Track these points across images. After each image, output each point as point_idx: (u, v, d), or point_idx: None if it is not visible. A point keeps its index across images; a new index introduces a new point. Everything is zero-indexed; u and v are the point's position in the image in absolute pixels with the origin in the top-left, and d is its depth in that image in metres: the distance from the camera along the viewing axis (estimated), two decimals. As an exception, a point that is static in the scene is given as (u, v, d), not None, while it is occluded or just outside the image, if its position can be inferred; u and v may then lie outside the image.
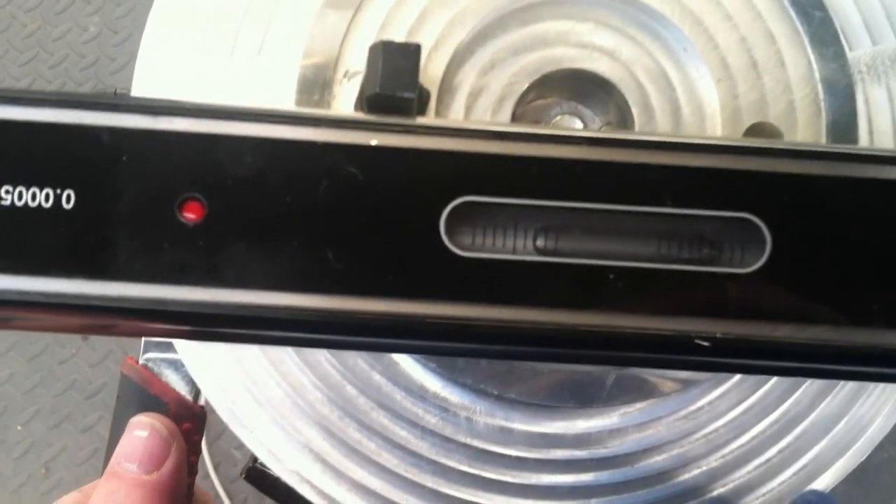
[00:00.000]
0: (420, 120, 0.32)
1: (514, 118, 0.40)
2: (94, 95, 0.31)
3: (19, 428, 1.29)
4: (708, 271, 0.30)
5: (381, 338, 0.31)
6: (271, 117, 0.31)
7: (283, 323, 0.30)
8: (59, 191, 0.30)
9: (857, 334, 0.30)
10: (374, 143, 0.31)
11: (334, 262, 0.30)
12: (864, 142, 0.41)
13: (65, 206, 0.30)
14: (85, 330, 0.32)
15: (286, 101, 0.38)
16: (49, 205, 0.30)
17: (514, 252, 0.31)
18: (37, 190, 0.30)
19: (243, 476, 0.53)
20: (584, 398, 0.38)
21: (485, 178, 0.31)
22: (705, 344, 0.30)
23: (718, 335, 0.30)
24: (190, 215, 0.30)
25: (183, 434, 0.44)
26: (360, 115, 0.32)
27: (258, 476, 0.44)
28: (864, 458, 0.41)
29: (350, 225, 0.30)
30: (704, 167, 0.31)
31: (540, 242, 0.31)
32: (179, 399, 0.43)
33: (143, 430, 0.41)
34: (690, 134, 0.38)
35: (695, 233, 0.31)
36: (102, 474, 0.40)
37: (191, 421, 0.44)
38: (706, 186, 0.31)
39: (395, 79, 0.33)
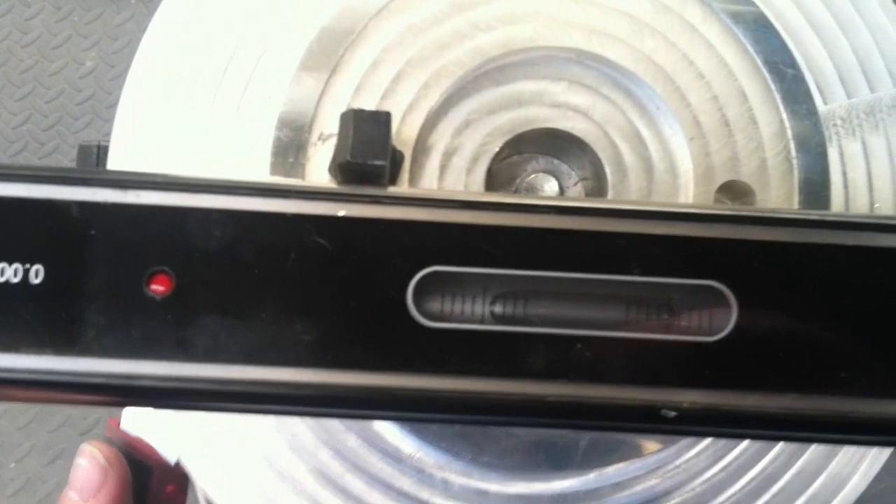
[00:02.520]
0: (389, 189, 0.32)
1: (490, 175, 0.40)
2: (63, 170, 0.31)
3: (13, 465, 1.29)
4: (674, 339, 0.30)
5: (350, 409, 0.32)
6: (239, 189, 0.31)
7: (252, 396, 0.31)
8: (27, 266, 0.30)
9: (824, 402, 0.30)
10: (341, 213, 0.31)
11: (303, 334, 0.30)
12: (838, 196, 0.41)
13: (33, 280, 0.30)
14: (56, 402, 0.32)
15: (262, 163, 0.38)
16: (17, 280, 0.30)
17: (482, 322, 0.31)
18: (5, 265, 0.30)
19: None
20: (559, 460, 0.38)
21: (452, 248, 0.31)
22: (672, 414, 0.30)
23: (685, 405, 0.30)
24: (158, 288, 0.30)
25: (167, 496, 0.44)
26: (328, 186, 0.33)
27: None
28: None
29: (319, 297, 0.30)
30: (670, 235, 0.31)
31: (507, 312, 0.31)
32: (162, 462, 0.43)
33: (83, 459, 0.43)
34: (663, 194, 0.38)
35: (661, 301, 0.31)
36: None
37: (175, 482, 0.44)
38: (672, 254, 0.31)
39: (366, 147, 0.33)
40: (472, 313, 0.31)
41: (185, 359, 0.30)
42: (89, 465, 0.42)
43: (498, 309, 0.31)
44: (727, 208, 0.36)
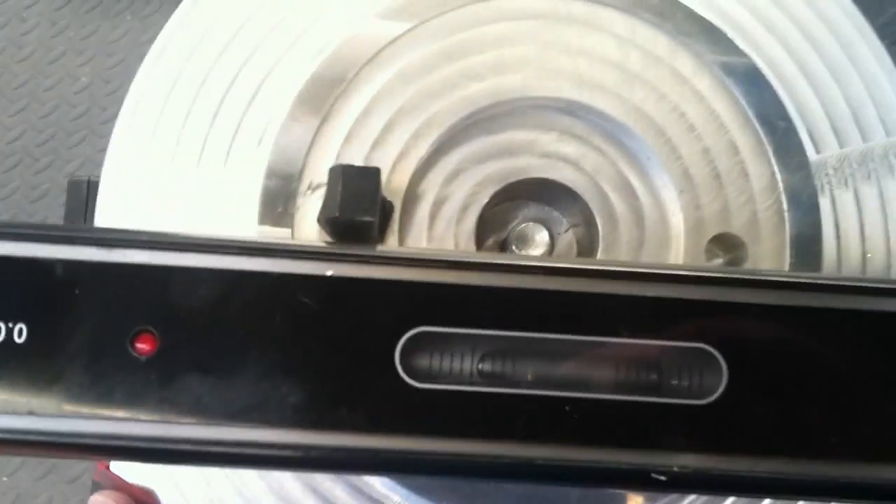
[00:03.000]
0: (377, 248, 0.32)
1: (480, 222, 0.40)
2: (48, 227, 0.31)
3: (5, 479, 1.28)
4: (664, 402, 0.30)
5: (336, 469, 0.31)
6: (225, 248, 0.31)
7: (236, 457, 0.30)
8: (10, 324, 0.30)
9: (815, 467, 0.30)
10: (329, 273, 0.31)
11: (288, 395, 0.30)
12: (830, 246, 0.40)
13: (16, 340, 0.30)
14: (39, 456, 0.32)
15: (251, 212, 0.38)
16: (1, 338, 0.30)
17: (470, 383, 0.31)
18: (-11, 324, 0.30)
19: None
20: (549, 514, 0.38)
21: (440, 309, 0.31)
22: (662, 478, 0.30)
23: (675, 469, 0.30)
24: (143, 348, 0.30)
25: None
26: (315, 244, 0.32)
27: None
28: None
29: (305, 357, 0.30)
30: (659, 297, 0.31)
31: (496, 372, 0.31)
32: None
33: None
34: (653, 245, 0.38)
35: (651, 363, 0.31)
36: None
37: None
38: (661, 316, 0.31)
39: (355, 203, 0.33)
40: (461, 374, 0.31)
41: (168, 419, 0.30)
42: None
43: (486, 369, 0.31)
44: (717, 270, 0.35)
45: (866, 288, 0.31)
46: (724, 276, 0.31)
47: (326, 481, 0.40)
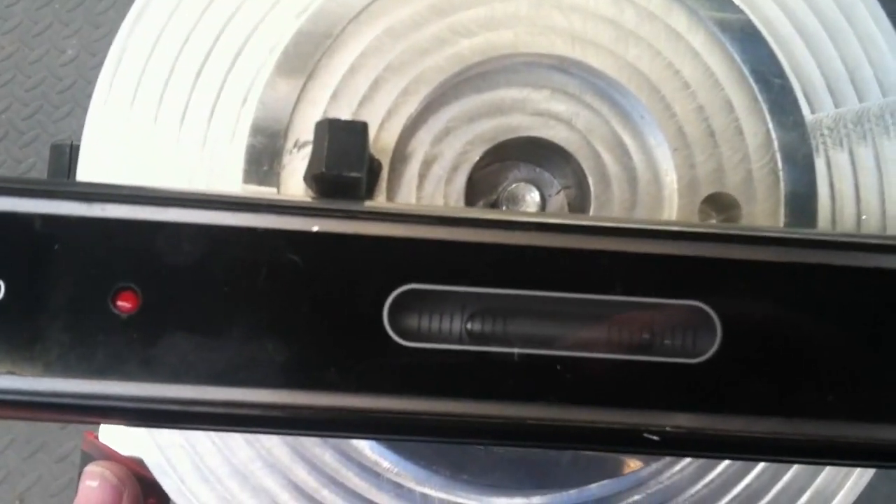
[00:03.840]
0: (365, 204, 0.31)
1: (470, 184, 0.39)
2: (26, 181, 0.30)
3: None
4: (658, 361, 0.30)
5: (324, 430, 0.31)
6: (209, 203, 0.30)
7: (222, 417, 0.30)
8: (-12, 281, 0.29)
9: (811, 426, 0.29)
10: (315, 229, 0.30)
11: (274, 354, 0.29)
12: (825, 208, 0.40)
13: (-6, 297, 0.29)
14: (20, 420, 0.31)
15: (235, 170, 0.37)
16: (-22, 296, 0.29)
17: (460, 342, 0.30)
18: (-34, 281, 0.29)
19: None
20: (540, 478, 0.37)
21: (429, 266, 0.30)
22: (654, 438, 0.29)
23: (668, 429, 0.29)
24: (124, 305, 0.29)
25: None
26: (302, 200, 0.32)
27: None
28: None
29: (291, 315, 0.30)
30: (653, 254, 0.30)
31: (486, 331, 0.30)
32: (141, 474, 0.42)
33: (93, 480, 0.42)
34: (646, 205, 0.37)
35: (644, 321, 0.30)
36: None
37: (155, 496, 0.43)
38: (655, 273, 0.30)
39: (342, 158, 0.32)
40: (450, 332, 0.30)
41: (151, 379, 0.29)
42: (101, 487, 0.42)
43: (476, 328, 0.30)
44: (711, 226, 0.35)
45: (862, 244, 0.30)
46: (719, 233, 0.31)
47: (315, 447, 0.39)
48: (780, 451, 0.30)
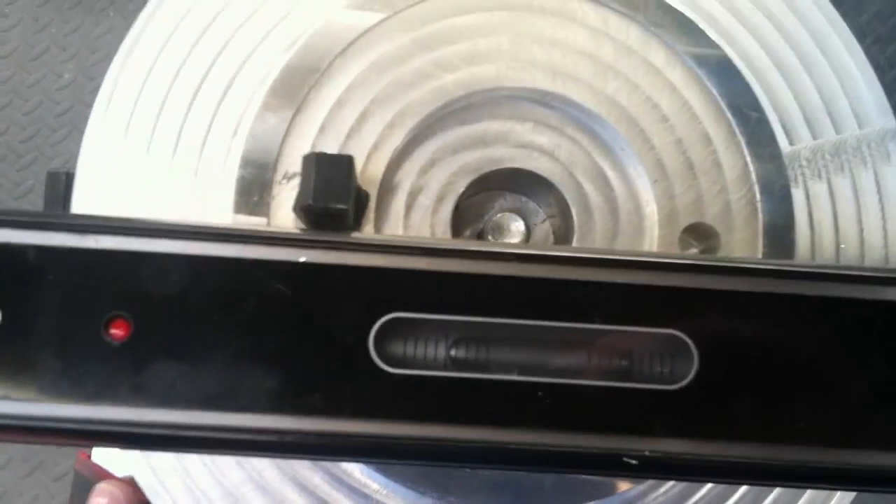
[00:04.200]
0: (351, 235, 0.32)
1: (457, 213, 0.40)
2: (21, 213, 0.31)
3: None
4: (636, 388, 0.30)
5: (310, 454, 0.32)
6: (198, 234, 0.31)
7: (210, 441, 0.30)
8: (-15, 310, 0.30)
9: (784, 451, 0.30)
10: (302, 259, 0.31)
11: (262, 380, 0.30)
12: (804, 237, 0.41)
13: (-9, 326, 0.30)
14: (16, 442, 0.32)
15: (226, 201, 0.38)
16: (-25, 325, 0.30)
17: (444, 369, 0.31)
18: (-37, 310, 0.30)
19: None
20: (524, 500, 0.38)
21: (413, 295, 0.31)
22: (633, 462, 0.30)
23: (646, 453, 0.30)
24: (116, 333, 0.30)
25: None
26: (288, 231, 0.33)
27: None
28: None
29: (279, 342, 0.30)
30: (631, 284, 0.31)
31: (470, 358, 0.31)
32: (133, 493, 0.43)
33: (103, 498, 0.42)
34: (628, 235, 0.38)
35: (623, 349, 0.31)
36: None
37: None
38: (633, 303, 0.31)
39: (328, 190, 0.33)
40: (435, 359, 0.31)
41: (142, 404, 0.30)
42: None
43: (460, 355, 0.31)
44: (687, 257, 0.36)
45: (835, 275, 0.31)
46: (695, 263, 0.31)
47: (305, 469, 0.40)
48: (756, 476, 0.31)
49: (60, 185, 0.48)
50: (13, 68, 1.54)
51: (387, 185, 0.39)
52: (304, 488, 0.40)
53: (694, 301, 0.31)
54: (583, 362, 0.31)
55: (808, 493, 0.41)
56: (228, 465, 0.40)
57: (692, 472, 0.31)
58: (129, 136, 0.41)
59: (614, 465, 0.30)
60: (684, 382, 0.30)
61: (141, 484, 0.41)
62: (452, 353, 0.31)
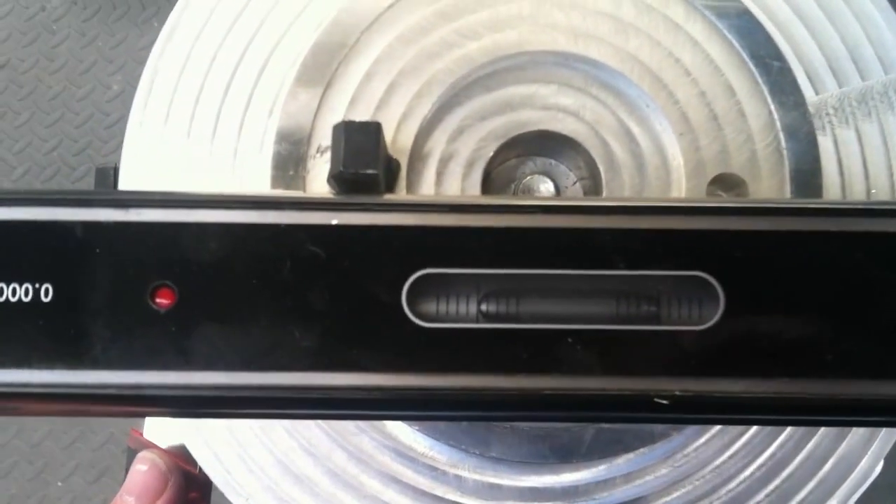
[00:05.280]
0: (382, 196, 0.33)
1: (488, 179, 0.41)
2: (66, 192, 0.33)
3: (60, 484, 1.31)
4: (664, 330, 0.31)
5: (352, 410, 0.33)
6: (234, 203, 0.32)
7: (255, 401, 0.32)
8: (37, 285, 0.31)
9: (814, 385, 0.31)
10: (334, 222, 0.32)
11: (301, 339, 0.31)
12: (835, 185, 0.41)
13: (43, 299, 0.31)
14: (69, 415, 0.33)
15: (264, 177, 0.40)
16: (28, 299, 0.31)
17: (476, 321, 0.32)
18: (17, 285, 0.31)
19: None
20: (564, 454, 0.39)
21: (444, 251, 0.32)
22: (664, 402, 0.31)
23: (677, 393, 0.31)
24: (162, 301, 0.32)
25: (191, 502, 0.46)
26: (320, 196, 0.34)
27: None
28: (852, 498, 0.41)
29: (315, 303, 0.32)
30: (654, 229, 0.32)
31: (500, 310, 0.32)
32: (184, 470, 0.45)
33: (143, 465, 0.45)
34: (656, 190, 0.39)
35: (649, 293, 0.32)
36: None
37: (197, 489, 0.46)
38: (657, 247, 0.32)
39: (358, 157, 0.34)
40: (466, 313, 0.32)
41: (189, 367, 0.31)
42: (150, 471, 0.44)
43: (491, 307, 0.32)
44: (708, 200, 0.36)
45: (854, 210, 0.32)
46: (716, 206, 0.32)
47: (352, 435, 0.41)
48: (785, 410, 0.31)
49: (109, 178, 0.50)
50: (63, 83, 1.58)
51: (417, 154, 0.40)
52: (352, 453, 0.41)
53: (717, 242, 0.31)
54: (610, 308, 0.32)
55: (849, 437, 0.41)
56: (278, 434, 0.42)
57: (723, 410, 0.32)
58: (170, 122, 0.43)
59: (646, 407, 0.31)
60: (711, 322, 0.31)
61: (196, 456, 0.42)
62: (483, 307, 0.32)
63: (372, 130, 0.34)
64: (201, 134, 0.43)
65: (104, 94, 1.58)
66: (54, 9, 1.60)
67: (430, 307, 0.32)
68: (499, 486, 0.41)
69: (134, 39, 1.58)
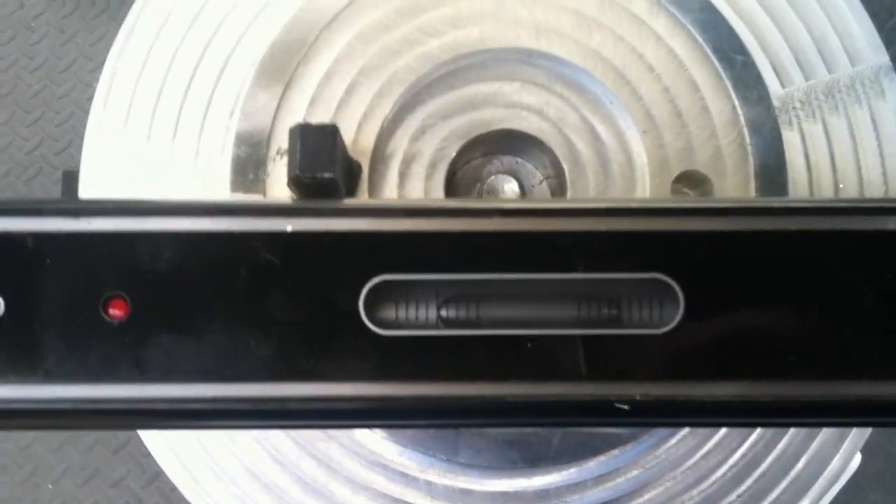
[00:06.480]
0: (340, 201, 0.33)
1: (452, 180, 0.40)
2: (15, 202, 0.32)
3: (50, 486, 1.30)
4: (624, 334, 0.31)
5: (312, 420, 0.32)
6: (186, 211, 0.32)
7: (213, 413, 0.31)
8: (-12, 299, 0.31)
9: (778, 387, 0.30)
10: (289, 228, 0.31)
11: (257, 349, 0.31)
12: (802, 179, 0.41)
13: (-4, 312, 0.31)
14: (23, 429, 0.33)
15: (225, 183, 0.39)
16: (-20, 313, 0.31)
17: (436, 327, 0.31)
18: (-33, 299, 0.31)
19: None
20: (533, 458, 0.38)
21: (401, 256, 0.31)
22: (625, 407, 0.30)
23: (638, 398, 0.30)
24: (115, 313, 0.31)
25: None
26: (273, 201, 0.33)
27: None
28: (825, 497, 0.41)
29: (271, 311, 0.31)
30: (612, 231, 0.31)
31: (460, 315, 0.31)
32: None
33: None
34: (620, 188, 0.39)
35: (610, 296, 0.31)
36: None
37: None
38: (616, 250, 0.31)
39: (314, 160, 0.33)
40: (426, 319, 0.31)
41: (144, 380, 0.31)
42: None
43: (451, 313, 0.31)
44: (667, 200, 0.36)
45: (812, 208, 0.31)
46: (673, 207, 0.32)
47: (320, 442, 0.41)
48: (749, 413, 0.31)
49: (75, 182, 0.49)
50: (43, 81, 1.56)
51: (379, 155, 0.39)
52: (321, 461, 0.41)
53: (676, 244, 0.31)
54: (569, 312, 0.31)
55: (820, 436, 0.41)
56: (246, 442, 0.41)
57: (685, 413, 0.31)
58: (130, 124, 0.42)
59: (606, 412, 0.31)
60: (671, 325, 0.31)
61: (163, 465, 0.41)
62: (443, 312, 0.31)
63: (328, 133, 0.34)
64: (162, 136, 0.42)
65: (84, 91, 1.56)
66: (33, 6, 1.58)
67: (389, 314, 0.31)
68: (469, 491, 0.40)
69: (113, 36, 1.56)
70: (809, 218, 0.31)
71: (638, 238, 0.31)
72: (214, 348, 0.31)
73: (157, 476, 1.21)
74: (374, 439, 0.40)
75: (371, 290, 0.31)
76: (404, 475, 0.40)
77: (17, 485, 1.28)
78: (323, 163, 0.33)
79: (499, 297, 0.31)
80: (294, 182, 0.34)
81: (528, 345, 0.31)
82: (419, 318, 0.31)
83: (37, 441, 1.30)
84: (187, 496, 0.41)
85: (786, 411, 0.31)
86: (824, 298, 0.30)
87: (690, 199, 0.37)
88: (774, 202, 0.32)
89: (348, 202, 0.34)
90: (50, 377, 0.31)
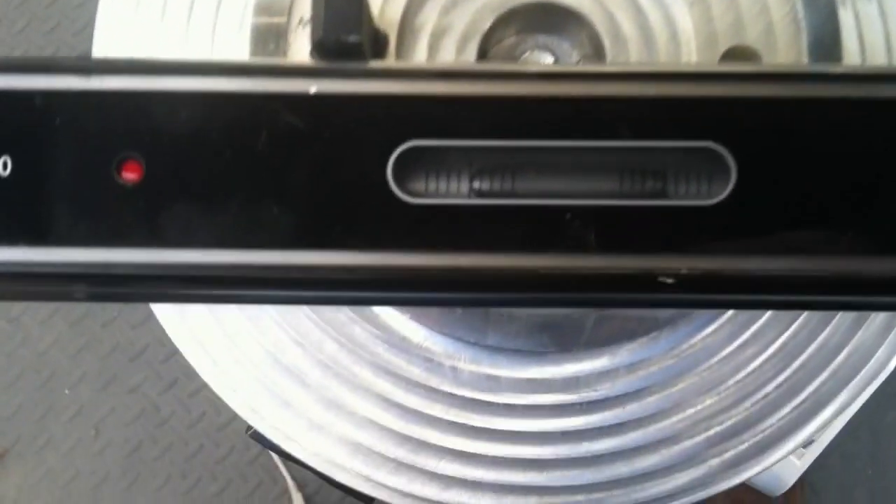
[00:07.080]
0: (365, 63, 0.31)
1: (483, 58, 0.38)
2: (23, 59, 0.30)
3: (67, 392, 1.31)
4: (670, 205, 0.29)
5: (334, 292, 0.31)
6: (205, 70, 0.30)
7: (231, 281, 0.30)
8: (-7, 157, 0.29)
9: (830, 262, 0.29)
10: (313, 90, 0.30)
11: (279, 216, 0.29)
12: (855, 60, 0.38)
13: (1, 172, 0.29)
14: (32, 297, 0.31)
15: (241, 53, 0.37)
16: (-16, 172, 0.29)
17: (467, 196, 0.29)
18: (-28, 158, 0.29)
19: (249, 434, 0.53)
20: (564, 342, 0.37)
21: (432, 121, 0.29)
22: (669, 281, 0.29)
23: (683, 271, 0.29)
24: (129, 175, 0.29)
25: None
26: (298, 63, 0.31)
27: (260, 434, 0.43)
28: (866, 390, 0.39)
29: (293, 177, 0.29)
30: (660, 96, 0.29)
31: (494, 185, 0.29)
32: None
33: None
34: (661, 63, 0.36)
35: (655, 165, 0.29)
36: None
37: None
38: (663, 116, 0.29)
39: (339, 22, 0.31)
40: (457, 188, 0.30)
41: (159, 245, 0.29)
42: None
43: (483, 181, 0.30)
44: (718, 66, 0.34)
45: (873, 75, 0.29)
46: (727, 72, 0.30)
47: (344, 325, 0.39)
48: (800, 289, 0.29)
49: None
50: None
51: (407, 28, 0.37)
52: (343, 343, 0.40)
53: (728, 111, 0.29)
54: (613, 183, 0.29)
55: (863, 329, 0.39)
56: (267, 324, 0.40)
57: (732, 289, 0.29)
58: (142, 4, 0.40)
59: (650, 287, 0.29)
60: (721, 197, 0.29)
61: (181, 348, 0.40)
62: (475, 179, 0.29)
63: (355, -8, 0.32)
64: (176, 14, 0.40)
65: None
66: None
67: (419, 182, 0.29)
68: (496, 378, 0.39)
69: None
70: (873, 85, 0.29)
71: (688, 104, 0.29)
72: (234, 214, 0.29)
73: (174, 383, 1.21)
74: (398, 322, 0.39)
75: (400, 157, 0.29)
76: (429, 360, 0.39)
77: (35, 390, 1.29)
78: (349, 25, 0.31)
79: (537, 166, 0.30)
80: (317, 48, 0.32)
81: (567, 215, 0.29)
82: (452, 187, 0.30)
83: (54, 347, 1.31)
84: (205, 378, 0.40)
85: (839, 288, 0.29)
86: (887, 171, 0.28)
87: (744, 64, 0.35)
88: (835, 68, 0.30)
89: (376, 64, 0.32)
90: (60, 240, 0.29)
